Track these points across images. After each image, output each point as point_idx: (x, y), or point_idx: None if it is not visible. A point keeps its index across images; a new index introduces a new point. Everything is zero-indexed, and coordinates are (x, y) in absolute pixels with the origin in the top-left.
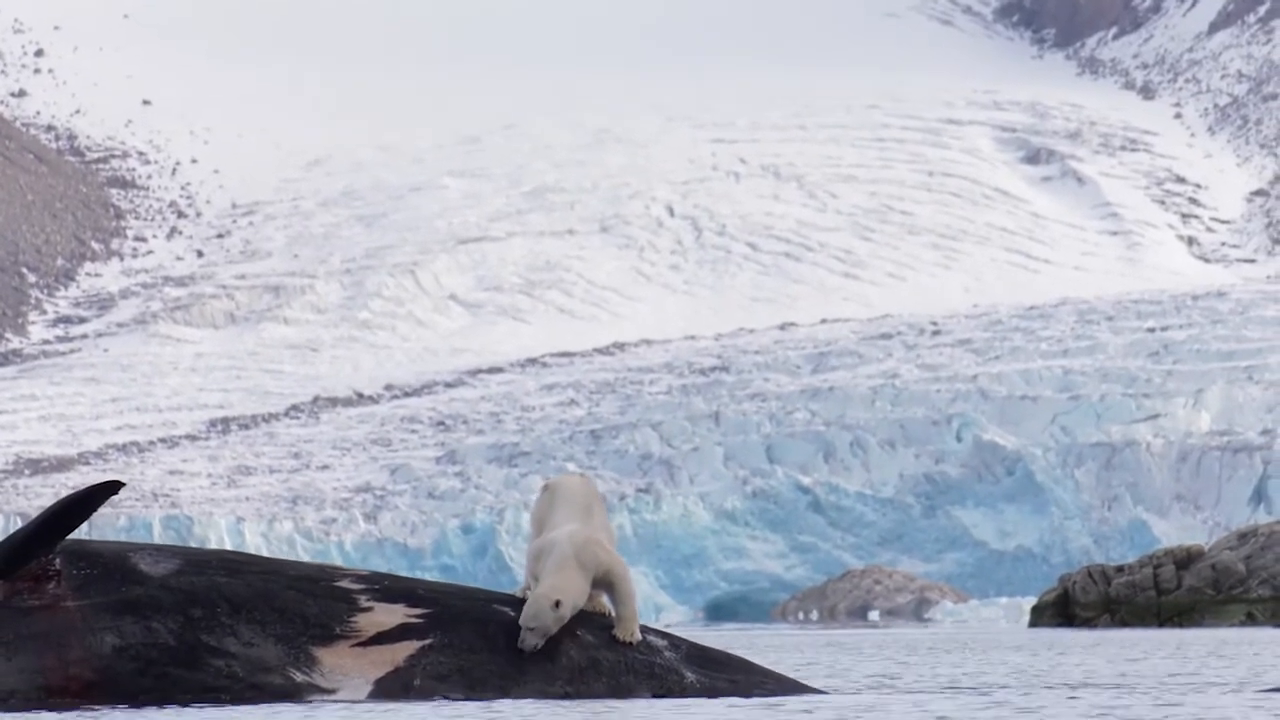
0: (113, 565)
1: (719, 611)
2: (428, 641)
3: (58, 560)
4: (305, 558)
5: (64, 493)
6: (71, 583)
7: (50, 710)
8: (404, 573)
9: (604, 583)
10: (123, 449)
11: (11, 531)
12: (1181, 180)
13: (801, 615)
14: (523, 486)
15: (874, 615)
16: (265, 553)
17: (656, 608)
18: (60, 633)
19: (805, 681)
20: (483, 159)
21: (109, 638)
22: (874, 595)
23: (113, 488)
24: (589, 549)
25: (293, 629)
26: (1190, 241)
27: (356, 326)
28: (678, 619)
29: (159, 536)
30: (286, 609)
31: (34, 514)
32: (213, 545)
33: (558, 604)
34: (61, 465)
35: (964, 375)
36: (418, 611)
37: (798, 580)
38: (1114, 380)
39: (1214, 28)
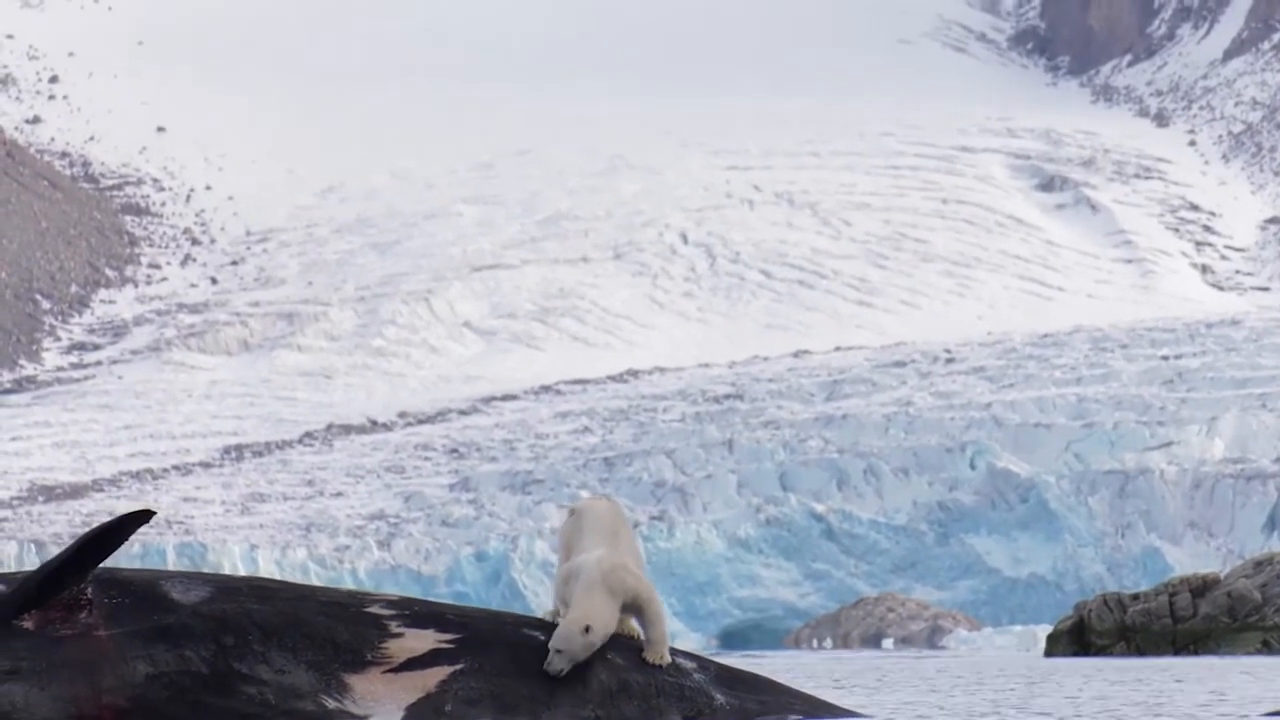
0: (144, 593)
1: (732, 639)
2: (459, 666)
3: (89, 589)
4: (316, 584)
5: (77, 520)
6: (103, 611)
7: None
8: (408, 596)
9: (633, 607)
10: (136, 476)
11: (42, 561)
12: (1195, 208)
13: (815, 643)
14: (536, 514)
15: (888, 643)
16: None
17: (670, 635)
18: (93, 661)
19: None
20: (497, 186)
21: (141, 665)
22: (887, 623)
23: (143, 517)
24: (616, 574)
25: (324, 655)
26: (1204, 269)
27: (370, 354)
28: (691, 647)
29: (173, 563)
30: (317, 635)
31: (47, 541)
32: (226, 572)
33: (588, 629)
34: (75, 492)
35: (978, 403)
36: (448, 636)
37: (811, 608)
38: (1128, 408)
39: (1228, 55)
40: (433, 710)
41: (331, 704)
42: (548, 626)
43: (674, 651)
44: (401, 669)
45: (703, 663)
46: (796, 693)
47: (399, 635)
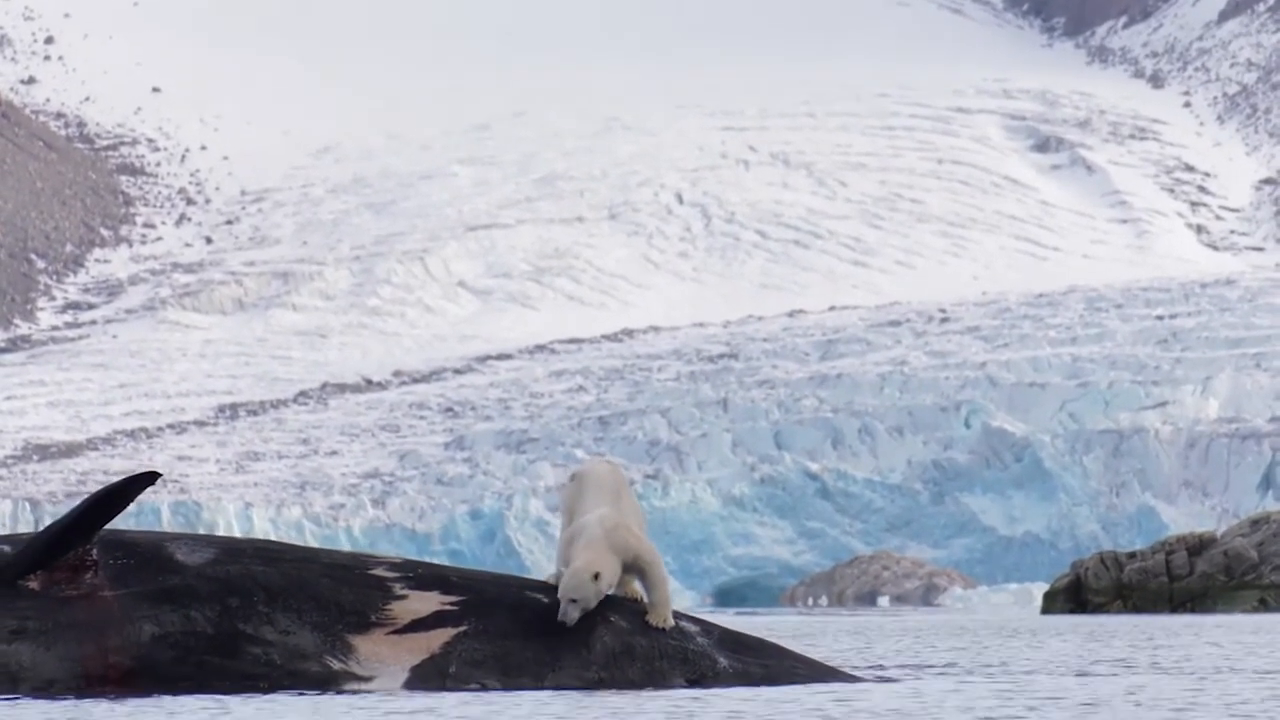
0: (149, 555)
1: (727, 597)
2: (463, 628)
3: (95, 550)
4: (313, 543)
5: (72, 478)
6: (109, 572)
7: (89, 699)
8: (412, 559)
9: (635, 568)
10: (131, 435)
11: (36, 520)
12: (1190, 169)
13: (810, 601)
14: (531, 472)
15: (883, 601)
16: (273, 539)
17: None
18: (99, 622)
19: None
20: (492, 146)
21: (147, 626)
22: (882, 581)
23: (150, 478)
24: (619, 532)
25: (329, 617)
26: (1199, 229)
27: (365, 313)
28: (686, 605)
29: (167, 522)
30: (322, 597)
31: (42, 500)
32: (221, 531)
33: (597, 576)
34: (70, 451)
35: (972, 362)
36: (452, 599)
37: (806, 566)
38: (1122, 367)
39: (1224, 16)
40: (437, 672)
41: (336, 665)
42: (551, 589)
43: (678, 615)
44: (406, 631)
45: (707, 627)
46: (801, 657)
47: (403, 597)
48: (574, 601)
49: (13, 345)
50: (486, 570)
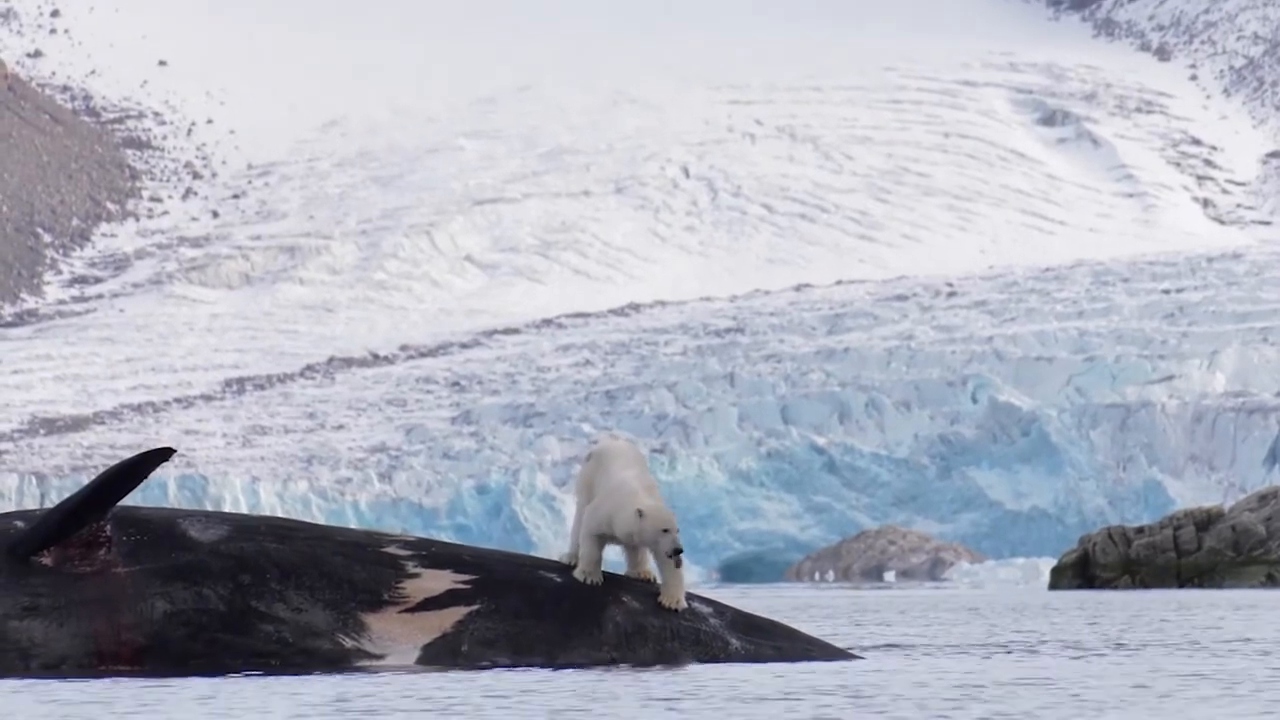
0: (162, 531)
1: (733, 572)
2: (475, 607)
3: (108, 526)
4: (320, 518)
5: (78, 452)
6: (122, 549)
7: (102, 675)
8: (418, 533)
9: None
10: (138, 409)
11: (42, 493)
12: (1197, 142)
13: (816, 575)
14: (537, 447)
15: (889, 576)
16: (279, 513)
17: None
18: (111, 598)
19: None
20: (498, 120)
21: (160, 603)
22: (889, 556)
23: (164, 454)
24: (654, 492)
25: (341, 595)
26: (1205, 203)
27: (372, 287)
28: (692, 579)
29: (174, 496)
30: (335, 575)
31: (48, 474)
32: (227, 505)
33: (641, 514)
34: (77, 425)
35: (979, 336)
36: (464, 577)
37: (812, 541)
38: (1129, 342)
39: None
40: (449, 650)
41: (349, 643)
42: (565, 569)
43: (690, 596)
44: (418, 609)
45: (719, 608)
46: (812, 639)
47: (416, 576)
48: (666, 531)
49: (19, 319)
50: (499, 549)
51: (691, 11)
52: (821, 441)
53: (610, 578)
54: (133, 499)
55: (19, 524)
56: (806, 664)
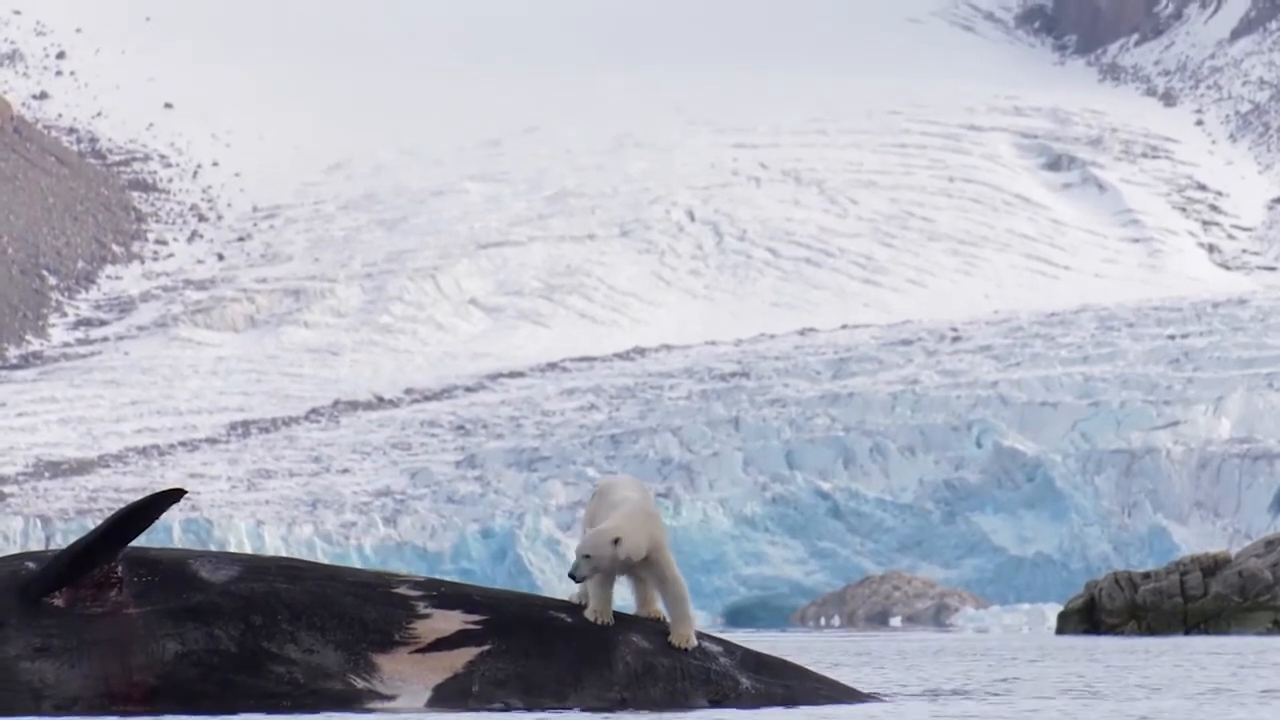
0: (173, 572)
1: (738, 617)
2: (486, 648)
3: (119, 567)
4: (324, 562)
5: (83, 495)
6: (133, 589)
7: (114, 716)
8: (435, 577)
9: (655, 575)
10: (143, 452)
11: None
12: (1203, 187)
13: (822, 621)
14: (542, 491)
15: (895, 621)
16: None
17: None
18: (123, 639)
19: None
20: (504, 163)
21: (171, 644)
22: (894, 601)
23: (175, 495)
24: (654, 519)
25: (352, 635)
26: (1211, 249)
27: (377, 330)
28: (697, 624)
29: (179, 539)
30: (346, 615)
31: (53, 517)
32: (232, 549)
33: (617, 541)
34: (81, 468)
35: (984, 381)
36: (475, 618)
37: (817, 586)
38: (1134, 387)
39: (1236, 34)
40: (460, 691)
41: (360, 684)
42: (575, 609)
43: (700, 635)
44: (429, 649)
45: (729, 647)
46: (823, 678)
47: (427, 616)
48: (587, 558)
49: (24, 362)
50: (509, 589)
51: (697, 55)
52: (826, 486)
53: (620, 617)
54: (139, 542)
55: (30, 565)
56: (849, 707)
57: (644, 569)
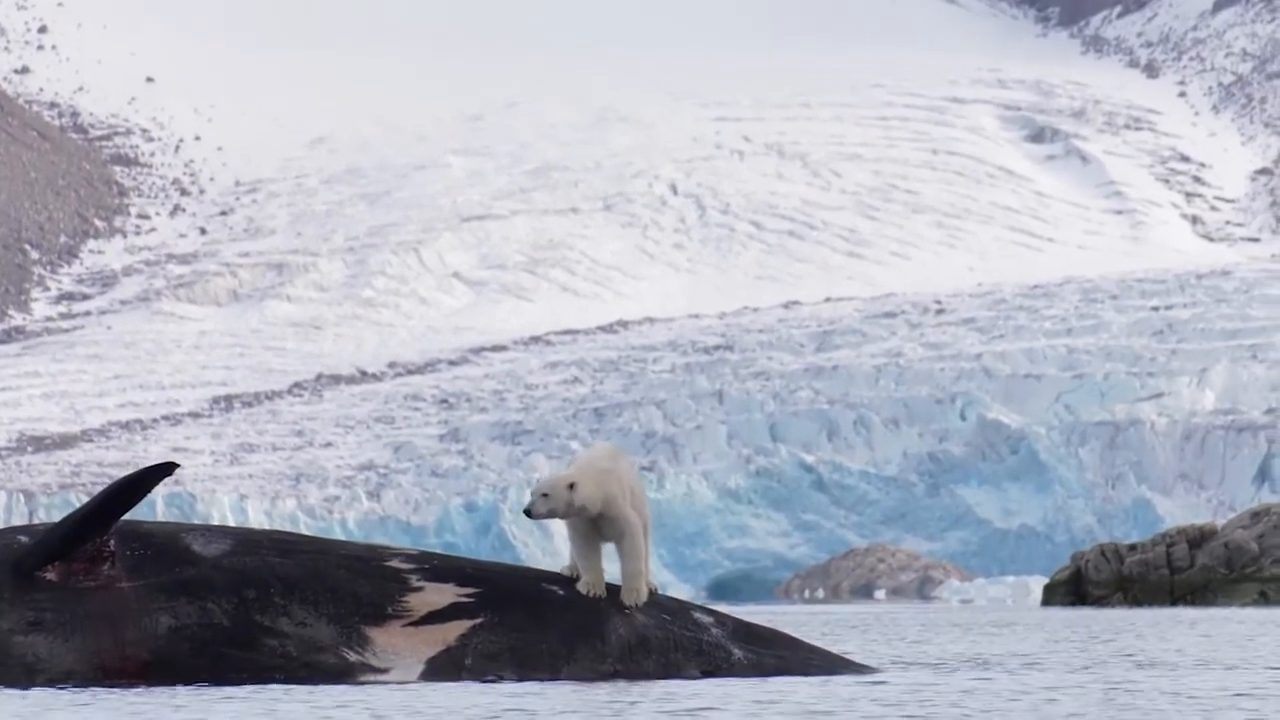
0: (166, 546)
1: (722, 590)
2: (478, 620)
3: (112, 541)
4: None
5: (66, 470)
6: (126, 564)
7: (107, 690)
8: (428, 550)
9: (612, 529)
10: (126, 426)
11: (29, 511)
12: (1185, 159)
13: (806, 593)
14: (525, 464)
15: (879, 594)
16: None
17: (660, 586)
18: (116, 614)
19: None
20: (486, 137)
21: (164, 618)
22: (878, 574)
23: (167, 469)
24: (618, 471)
25: (345, 609)
26: (1194, 220)
27: (360, 304)
28: (681, 597)
29: (162, 514)
30: (339, 589)
31: (36, 491)
32: (215, 522)
33: (572, 486)
34: (64, 442)
35: (968, 354)
36: (468, 590)
37: (801, 559)
38: (1118, 359)
39: (1218, 6)
40: (453, 663)
41: (353, 657)
42: (567, 582)
43: (691, 606)
44: (422, 622)
45: (720, 618)
46: (814, 648)
47: (419, 589)
48: (545, 496)
49: (7, 336)
50: (502, 562)
51: (680, 29)
52: (810, 459)
53: (614, 589)
54: (131, 516)
55: (23, 539)
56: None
57: (607, 528)
